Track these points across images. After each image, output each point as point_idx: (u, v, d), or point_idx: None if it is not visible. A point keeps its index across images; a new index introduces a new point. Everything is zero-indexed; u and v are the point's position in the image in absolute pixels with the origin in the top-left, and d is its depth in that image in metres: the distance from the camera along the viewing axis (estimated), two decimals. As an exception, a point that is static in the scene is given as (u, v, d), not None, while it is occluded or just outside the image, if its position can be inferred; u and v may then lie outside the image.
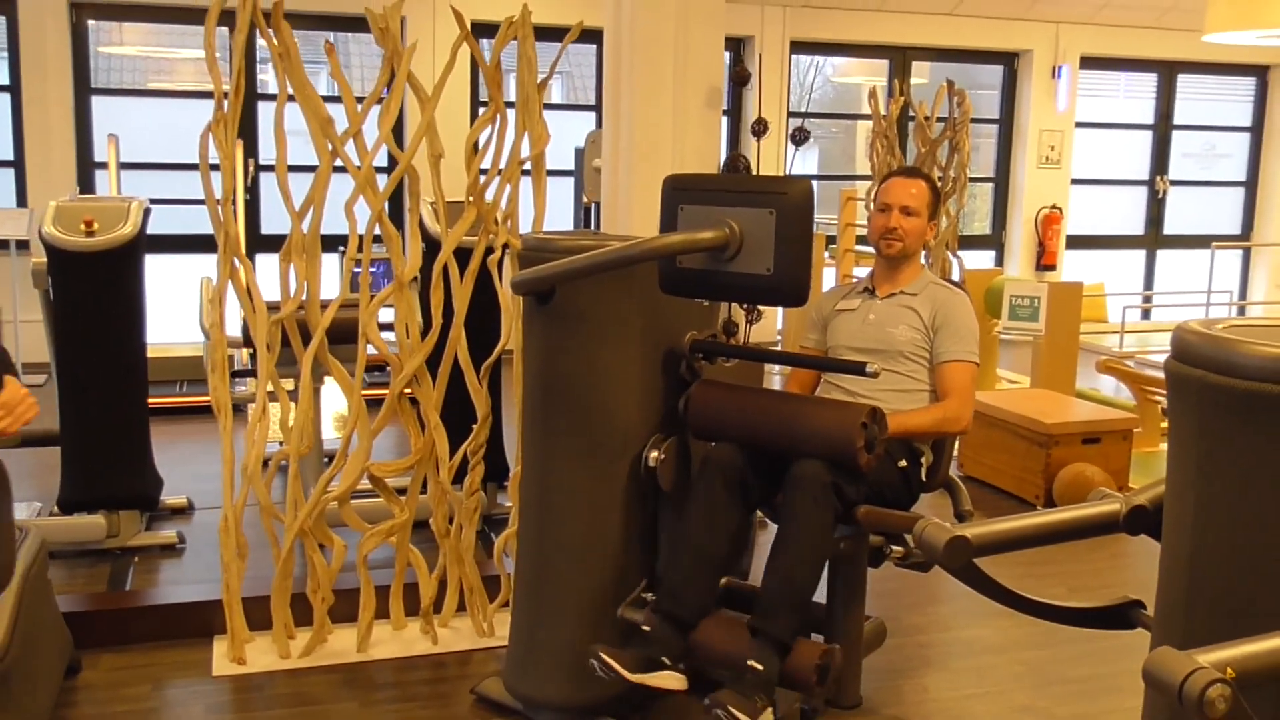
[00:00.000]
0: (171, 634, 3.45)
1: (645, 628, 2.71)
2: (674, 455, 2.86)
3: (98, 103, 7.50)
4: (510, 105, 3.32)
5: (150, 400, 4.41)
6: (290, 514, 3.34)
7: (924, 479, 3.08)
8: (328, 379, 4.01)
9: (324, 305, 3.34)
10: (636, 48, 3.67)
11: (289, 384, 3.73)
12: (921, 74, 9.73)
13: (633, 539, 2.90)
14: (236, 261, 3.19)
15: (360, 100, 3.19)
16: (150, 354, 4.38)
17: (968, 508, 3.14)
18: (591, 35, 5.28)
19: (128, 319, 4.20)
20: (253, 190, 7.66)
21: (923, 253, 3.35)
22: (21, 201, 7.34)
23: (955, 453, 5.72)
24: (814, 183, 3.55)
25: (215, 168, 3.13)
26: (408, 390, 3.38)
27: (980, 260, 9.52)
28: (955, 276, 6.89)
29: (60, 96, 7.32)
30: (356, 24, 7.13)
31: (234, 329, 4.02)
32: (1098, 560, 4.31)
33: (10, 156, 7.39)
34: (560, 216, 7.65)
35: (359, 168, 3.20)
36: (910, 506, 3.04)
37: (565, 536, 2.89)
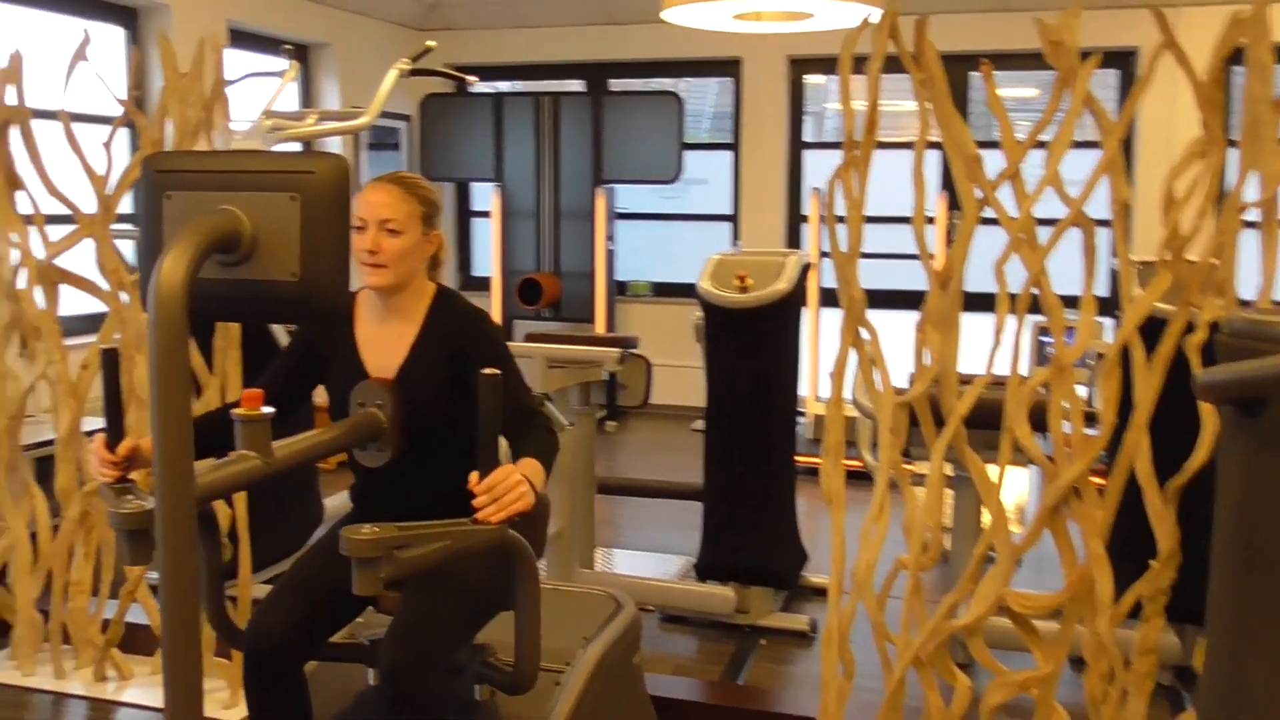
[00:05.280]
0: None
1: None
2: None
3: (809, 156, 7.57)
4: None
5: (806, 460, 4.12)
6: (904, 637, 2.75)
7: None
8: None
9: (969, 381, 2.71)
10: None
11: (925, 468, 3.16)
12: None
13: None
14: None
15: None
16: (814, 412, 4.09)
17: None
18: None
19: (778, 378, 3.96)
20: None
21: None
22: (736, 255, 7.67)
23: None
24: None
25: (841, 219, 2.67)
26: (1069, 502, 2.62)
27: None
28: None
29: (774, 152, 7.51)
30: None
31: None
32: None
33: (729, 210, 7.74)
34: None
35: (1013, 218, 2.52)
36: None
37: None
